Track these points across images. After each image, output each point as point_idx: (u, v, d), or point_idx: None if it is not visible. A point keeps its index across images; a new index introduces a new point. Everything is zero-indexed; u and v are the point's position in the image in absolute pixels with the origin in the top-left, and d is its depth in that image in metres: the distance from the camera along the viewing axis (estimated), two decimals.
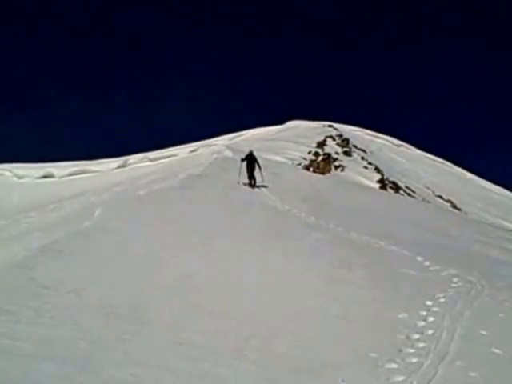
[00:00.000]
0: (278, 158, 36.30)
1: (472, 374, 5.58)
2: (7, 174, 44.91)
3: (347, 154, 46.67)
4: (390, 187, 38.94)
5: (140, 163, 45.11)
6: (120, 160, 46.50)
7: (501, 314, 7.57)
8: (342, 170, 41.03)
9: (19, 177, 43.50)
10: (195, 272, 8.50)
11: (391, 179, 41.56)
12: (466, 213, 40.33)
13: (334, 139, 50.79)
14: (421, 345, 6.32)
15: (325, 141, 49.17)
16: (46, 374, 4.62)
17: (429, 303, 7.92)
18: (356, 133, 60.15)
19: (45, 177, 42.29)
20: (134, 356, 5.29)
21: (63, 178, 40.64)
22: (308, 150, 44.66)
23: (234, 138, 55.37)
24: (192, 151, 47.22)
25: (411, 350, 6.17)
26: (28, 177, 42.72)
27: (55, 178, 41.37)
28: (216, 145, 46.80)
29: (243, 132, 58.93)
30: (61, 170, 43.24)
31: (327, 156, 43.55)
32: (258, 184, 20.96)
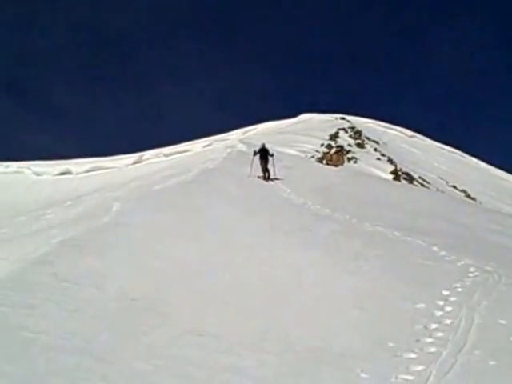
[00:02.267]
0: (291, 151, 36.20)
1: (491, 363, 5.60)
2: (26, 171, 45.30)
3: (360, 145, 46.43)
4: (404, 178, 38.69)
5: (155, 159, 45.22)
6: (135, 156, 46.60)
7: None
8: (355, 162, 40.83)
9: (38, 174, 43.80)
10: (213, 265, 8.58)
11: (404, 170, 41.29)
12: (480, 202, 40.03)
13: (347, 131, 50.52)
14: (439, 334, 6.34)
15: (337, 133, 48.94)
16: (68, 365, 4.72)
17: (446, 293, 7.91)
18: (368, 125, 59.79)
19: (63, 174, 42.52)
20: (156, 348, 5.37)
21: (80, 175, 40.88)
22: (321, 142, 44.47)
23: (247, 131, 55.31)
24: (206, 146, 47.20)
25: (429, 340, 6.20)
26: (46, 174, 43.01)
27: (73, 175, 41.62)
28: (229, 139, 46.79)
29: (256, 126, 58.77)
30: (78, 166, 43.46)
31: (340, 148, 43.33)
32: (271, 177, 20.99)
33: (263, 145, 21.91)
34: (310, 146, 42.23)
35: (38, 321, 5.52)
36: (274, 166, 21.28)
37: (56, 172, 43.15)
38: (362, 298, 7.66)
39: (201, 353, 5.40)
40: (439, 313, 7.10)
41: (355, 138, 48.63)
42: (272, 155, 21.39)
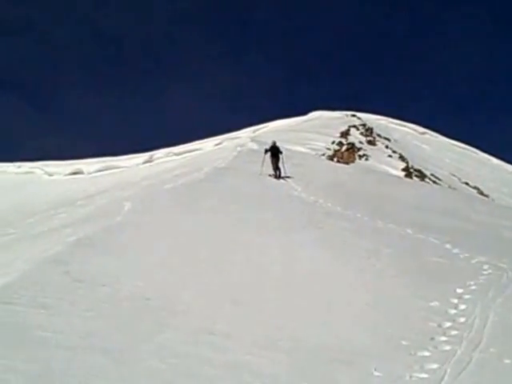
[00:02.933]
0: (301, 149, 36.15)
1: (506, 361, 5.55)
2: (38, 171, 45.83)
3: (371, 143, 46.25)
4: (416, 175, 38.49)
5: (165, 158, 45.40)
6: (146, 155, 46.87)
7: None
8: (367, 160, 40.69)
9: (50, 174, 44.24)
10: (224, 263, 8.58)
11: (416, 167, 41.07)
12: (493, 199, 39.74)
13: (358, 128, 50.37)
14: (453, 332, 6.30)
15: (348, 130, 48.82)
16: (82, 365, 4.73)
17: (460, 291, 7.87)
18: (379, 121, 59.58)
19: (74, 173, 42.88)
20: (169, 347, 5.37)
21: (92, 174, 41.19)
22: (331, 140, 44.35)
23: (258, 130, 55.31)
24: (216, 144, 47.28)
25: (444, 338, 6.16)
26: (58, 174, 43.43)
27: (84, 175, 41.96)
28: (240, 138, 46.82)
29: (267, 124, 58.76)
30: (89, 166, 43.84)
31: (351, 146, 43.23)
32: (282, 175, 20.98)
33: (274, 143, 21.91)
34: (321, 144, 42.13)
35: (52, 320, 5.54)
36: (284, 163, 21.27)
37: (67, 172, 43.55)
38: (374, 296, 7.63)
39: (214, 351, 5.39)
40: (453, 311, 7.07)
41: (366, 135, 48.45)
42: (283, 156, 21.37)
